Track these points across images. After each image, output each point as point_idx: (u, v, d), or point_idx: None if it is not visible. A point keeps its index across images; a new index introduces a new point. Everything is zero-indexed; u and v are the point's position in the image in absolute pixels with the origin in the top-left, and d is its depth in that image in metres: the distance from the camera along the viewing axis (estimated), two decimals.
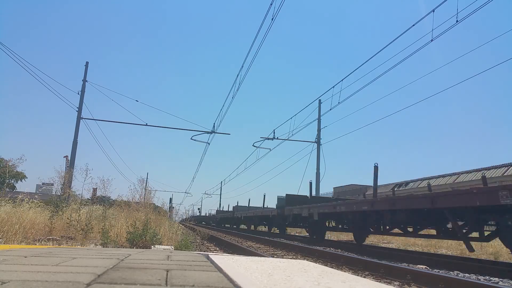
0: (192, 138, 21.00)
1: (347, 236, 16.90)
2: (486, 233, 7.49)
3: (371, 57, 14.43)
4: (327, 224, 14.46)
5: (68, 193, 10.03)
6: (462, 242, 7.67)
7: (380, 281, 5.00)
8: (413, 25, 11.86)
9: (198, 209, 73.66)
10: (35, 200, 8.59)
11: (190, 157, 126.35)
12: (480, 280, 5.36)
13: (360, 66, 16.58)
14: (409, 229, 9.83)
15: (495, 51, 63.54)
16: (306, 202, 15.73)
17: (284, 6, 10.14)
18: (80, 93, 18.81)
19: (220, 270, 2.12)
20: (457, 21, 10.28)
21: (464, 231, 7.43)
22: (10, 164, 8.96)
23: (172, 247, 7.21)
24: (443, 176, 34.99)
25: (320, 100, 22.69)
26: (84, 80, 19.10)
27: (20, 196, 8.47)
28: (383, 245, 13.75)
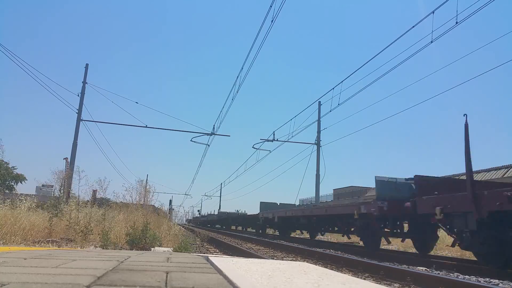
0: (192, 139, 20.97)
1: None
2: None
3: (371, 59, 14.40)
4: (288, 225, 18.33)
5: (68, 194, 10.02)
6: None
7: (380, 283, 5.00)
8: (413, 26, 11.86)
9: (198, 210, 73.75)
10: (33, 201, 8.60)
11: (190, 159, 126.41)
12: (480, 282, 5.35)
13: (359, 68, 16.61)
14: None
15: (495, 53, 63.61)
16: (276, 208, 20.29)
17: (283, 8, 10.15)
18: (80, 95, 18.78)
19: (220, 272, 2.11)
20: (456, 22, 10.29)
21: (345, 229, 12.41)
22: None
23: (172, 249, 7.20)
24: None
25: (320, 101, 22.67)
26: (84, 82, 19.05)
27: (19, 196, 8.47)
28: (383, 247, 13.72)
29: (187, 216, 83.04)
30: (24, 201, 8.41)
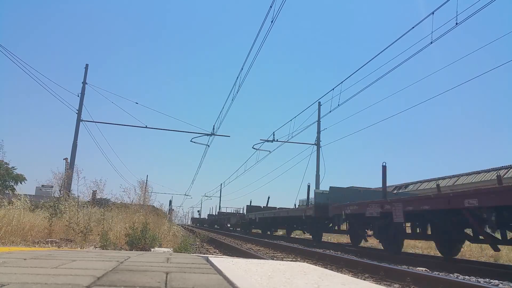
0: (192, 140, 20.96)
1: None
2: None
3: (371, 59, 14.39)
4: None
5: (67, 195, 9.99)
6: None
7: (380, 284, 4.99)
8: (413, 27, 11.86)
9: (198, 211, 73.52)
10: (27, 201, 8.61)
11: (190, 159, 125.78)
12: (480, 282, 5.35)
13: (360, 68, 16.53)
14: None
15: (495, 53, 63.57)
16: (259, 210, 23.54)
17: (283, 9, 10.15)
18: (80, 96, 18.78)
19: (219, 272, 2.11)
20: (456, 23, 10.29)
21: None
22: None
23: (172, 249, 7.20)
24: (443, 178, 34.95)
25: (319, 102, 22.66)
26: (84, 82, 19.02)
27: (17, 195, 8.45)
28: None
29: (187, 216, 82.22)
30: (20, 200, 8.37)
